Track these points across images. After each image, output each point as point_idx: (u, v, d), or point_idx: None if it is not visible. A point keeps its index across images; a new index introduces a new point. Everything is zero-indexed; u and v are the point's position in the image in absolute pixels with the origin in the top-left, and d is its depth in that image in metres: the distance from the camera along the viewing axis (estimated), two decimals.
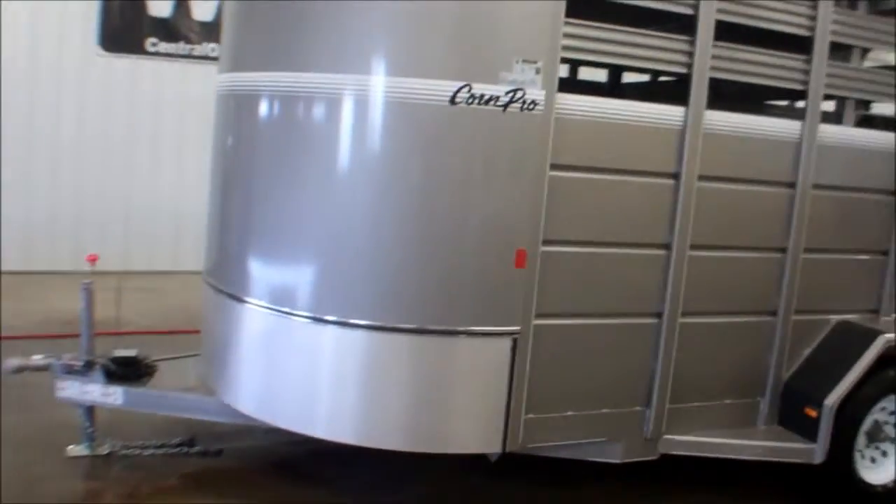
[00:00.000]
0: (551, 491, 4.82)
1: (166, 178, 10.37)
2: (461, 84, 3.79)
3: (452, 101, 3.80)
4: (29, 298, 8.39)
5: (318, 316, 4.09)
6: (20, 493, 4.34)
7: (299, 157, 4.11)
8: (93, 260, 4.96)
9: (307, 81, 4.02)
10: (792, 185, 4.62)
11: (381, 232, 3.98)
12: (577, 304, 4.21)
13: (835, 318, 4.92)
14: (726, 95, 4.49)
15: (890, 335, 4.69)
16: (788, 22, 4.48)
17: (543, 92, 3.89)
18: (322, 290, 4.13)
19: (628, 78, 6.02)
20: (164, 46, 10.32)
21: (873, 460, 4.82)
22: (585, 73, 5.86)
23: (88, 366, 4.70)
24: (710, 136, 4.31)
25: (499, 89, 3.83)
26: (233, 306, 4.44)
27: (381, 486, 4.81)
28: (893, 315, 5.01)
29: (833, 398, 4.56)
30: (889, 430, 4.84)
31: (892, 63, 5.21)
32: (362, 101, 3.91)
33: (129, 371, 4.77)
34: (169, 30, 10.32)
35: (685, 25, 4.24)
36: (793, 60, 4.54)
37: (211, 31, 10.31)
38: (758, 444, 4.67)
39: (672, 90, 5.12)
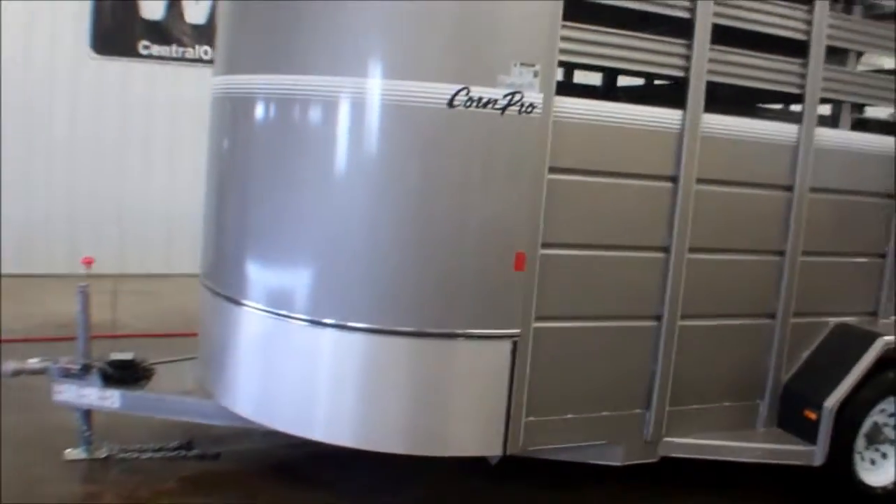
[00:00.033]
0: (551, 494, 4.81)
1: (159, 181, 10.36)
2: (459, 87, 3.79)
3: (450, 103, 3.79)
4: (25, 301, 8.36)
5: (316, 319, 4.07)
6: (18, 496, 4.32)
7: (296, 159, 4.10)
8: (88, 263, 4.94)
9: (304, 84, 4.01)
10: (789, 189, 4.63)
11: (379, 235, 3.97)
12: (577, 307, 4.21)
13: (833, 320, 4.93)
14: (720, 99, 4.50)
15: (889, 337, 4.70)
16: (785, 26, 4.49)
17: (541, 95, 3.89)
18: (320, 292, 4.12)
19: (622, 81, 6.03)
20: (156, 49, 10.31)
21: (873, 462, 4.83)
22: (579, 77, 5.86)
23: (85, 369, 4.69)
24: (707, 140, 4.32)
25: (497, 92, 3.82)
26: (230, 309, 4.42)
27: (379, 488, 4.80)
28: (892, 317, 5.01)
29: (833, 400, 4.57)
30: (888, 431, 4.85)
31: (885, 67, 5.22)
32: (359, 104, 3.90)
33: (126, 374, 4.75)
34: (161, 32, 10.30)
35: (682, 29, 4.24)
36: (789, 64, 4.55)
37: (203, 33, 10.31)
38: (757, 446, 4.67)
39: (667, 94, 5.17)
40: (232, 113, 4.47)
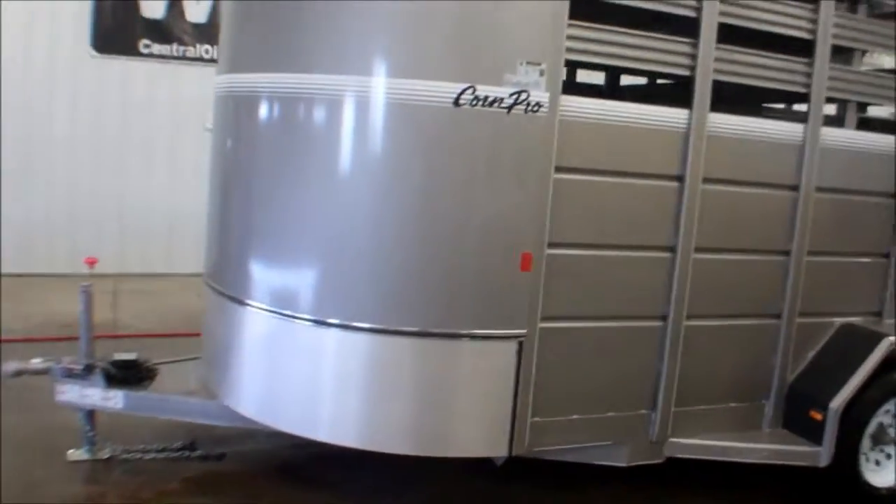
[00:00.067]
0: (556, 495, 4.79)
1: (159, 181, 10.33)
2: (465, 86, 3.77)
3: (456, 102, 3.78)
4: (27, 301, 8.34)
5: (320, 319, 4.06)
6: (20, 497, 4.30)
7: (300, 158, 4.09)
8: (91, 263, 4.93)
9: (308, 83, 3.99)
10: (795, 188, 4.62)
11: (384, 234, 3.96)
12: (583, 307, 4.20)
13: (838, 320, 4.92)
14: (724, 98, 4.48)
15: (894, 338, 4.68)
16: (790, 25, 4.48)
17: (547, 94, 3.88)
18: (324, 292, 4.11)
19: (623, 81, 6.02)
20: (157, 48, 10.27)
21: (878, 463, 4.82)
22: (581, 76, 5.85)
23: (88, 369, 4.66)
24: (713, 139, 4.31)
25: (503, 91, 3.81)
26: (234, 309, 4.41)
27: (384, 489, 4.78)
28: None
29: (838, 401, 4.56)
30: (893, 432, 4.84)
31: (886, 66, 5.21)
32: (364, 103, 3.88)
33: (129, 374, 4.74)
34: (162, 31, 10.27)
35: (687, 28, 4.22)
36: (795, 63, 4.54)
37: (204, 32, 10.29)
38: (763, 447, 4.66)
39: (670, 93, 5.16)
40: (236, 112, 4.46)
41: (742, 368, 4.73)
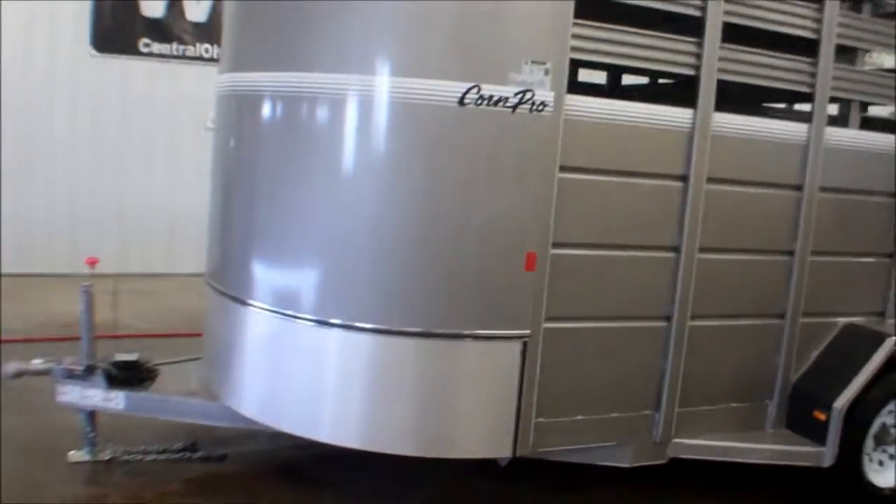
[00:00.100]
0: (560, 495, 4.77)
1: (159, 179, 10.32)
2: (470, 85, 3.76)
3: (461, 101, 3.76)
4: (27, 301, 8.32)
5: (322, 319, 4.04)
6: (21, 499, 4.28)
7: (303, 157, 4.07)
8: (92, 263, 4.91)
9: (311, 81, 3.97)
10: (799, 188, 4.61)
11: (387, 234, 3.94)
12: (587, 307, 4.18)
13: (842, 320, 4.91)
14: (726, 97, 4.47)
15: None
16: (795, 24, 4.46)
17: (552, 93, 3.86)
18: (327, 292, 4.10)
19: (623, 80, 6.01)
20: (157, 47, 10.26)
21: (881, 463, 4.80)
22: (583, 75, 5.82)
23: (89, 370, 4.64)
24: (718, 139, 4.29)
25: (508, 90, 3.79)
26: (236, 309, 4.39)
27: (385, 490, 4.77)
28: None
29: (842, 401, 4.55)
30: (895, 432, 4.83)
31: (886, 66, 5.20)
32: (368, 102, 3.87)
33: (130, 375, 4.72)
34: (162, 30, 10.26)
35: (692, 27, 4.21)
36: (799, 63, 4.52)
37: (204, 31, 10.29)
38: (766, 447, 4.65)
39: (671, 92, 5.14)
40: (238, 111, 4.44)
41: (745, 368, 4.71)
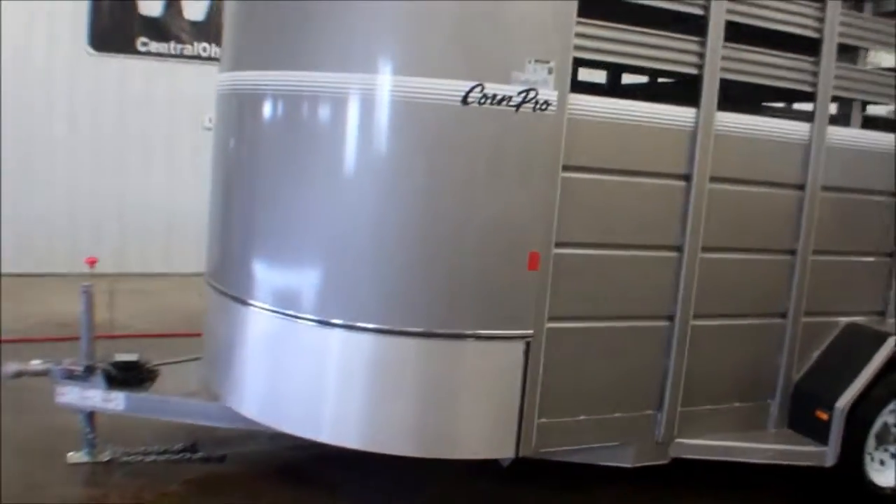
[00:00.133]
0: (562, 496, 4.77)
1: (158, 178, 10.29)
2: (473, 84, 3.74)
3: (464, 100, 3.74)
4: (26, 301, 8.29)
5: (323, 319, 4.02)
6: (21, 500, 4.26)
7: (304, 157, 4.05)
8: (92, 263, 4.89)
9: (313, 80, 3.95)
10: (801, 188, 4.60)
11: (389, 234, 3.92)
12: (590, 307, 4.17)
13: (844, 320, 4.91)
14: (728, 97, 4.46)
15: None
16: (797, 23, 4.45)
17: (556, 92, 3.85)
18: (328, 292, 4.07)
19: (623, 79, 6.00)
20: (154, 46, 10.23)
21: (882, 463, 4.80)
22: (583, 75, 5.81)
23: (89, 371, 4.62)
24: (720, 138, 4.29)
25: (511, 89, 3.78)
26: (236, 309, 4.37)
27: (386, 490, 4.76)
28: None
29: (844, 400, 4.54)
30: None
31: (885, 64, 5.19)
32: (370, 101, 3.84)
33: (130, 376, 4.69)
34: (160, 29, 10.24)
35: (695, 26, 4.20)
36: (802, 62, 4.52)
37: (202, 30, 10.28)
38: (768, 447, 4.64)
39: (672, 91, 5.13)
40: (239, 110, 4.42)
41: (747, 368, 4.71)
